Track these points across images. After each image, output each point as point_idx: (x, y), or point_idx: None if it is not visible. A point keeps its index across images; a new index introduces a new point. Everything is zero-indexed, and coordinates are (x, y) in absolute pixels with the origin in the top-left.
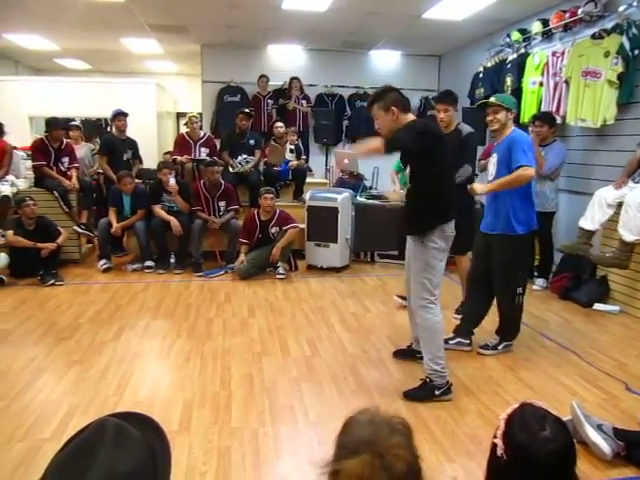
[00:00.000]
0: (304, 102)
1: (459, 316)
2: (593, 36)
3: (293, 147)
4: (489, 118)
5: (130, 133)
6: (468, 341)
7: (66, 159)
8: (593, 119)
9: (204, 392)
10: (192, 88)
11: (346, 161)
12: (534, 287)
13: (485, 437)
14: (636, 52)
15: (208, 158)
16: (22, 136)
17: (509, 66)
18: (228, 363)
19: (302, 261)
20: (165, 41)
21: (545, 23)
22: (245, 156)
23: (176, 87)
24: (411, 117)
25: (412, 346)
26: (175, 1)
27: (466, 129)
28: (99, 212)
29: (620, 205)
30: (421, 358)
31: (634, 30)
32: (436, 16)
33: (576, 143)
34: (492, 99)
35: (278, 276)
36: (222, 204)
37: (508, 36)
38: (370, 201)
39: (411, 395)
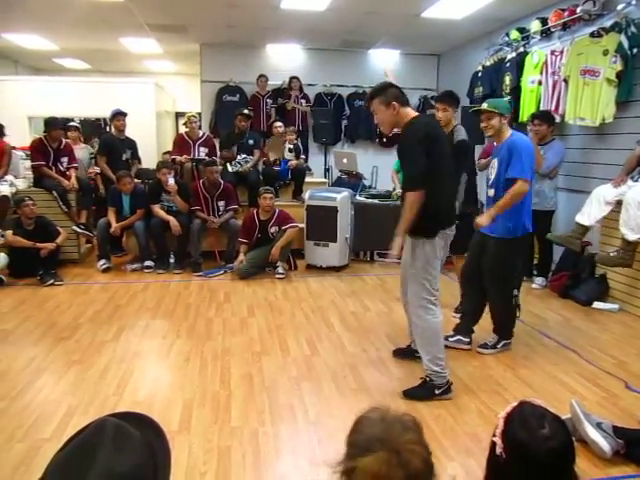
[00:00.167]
0: (303, 102)
1: (458, 315)
2: (592, 34)
3: (292, 147)
4: (483, 124)
5: (129, 133)
6: (468, 339)
7: (65, 159)
8: (592, 117)
9: (204, 392)
10: (191, 88)
11: (345, 160)
12: (533, 286)
13: (485, 435)
14: (635, 50)
15: (207, 158)
16: (21, 136)
17: (508, 65)
18: (228, 363)
19: (301, 260)
20: (164, 41)
21: (544, 22)
22: (244, 156)
23: (175, 87)
24: (410, 112)
25: (411, 345)
26: (174, 1)
27: (460, 135)
28: (98, 212)
29: (619, 203)
30: (420, 357)
31: (633, 28)
32: (435, 15)
33: (575, 142)
34: (485, 105)
35: (277, 276)
36: (221, 204)
37: (507, 35)
38: (369, 200)
39: (411, 394)
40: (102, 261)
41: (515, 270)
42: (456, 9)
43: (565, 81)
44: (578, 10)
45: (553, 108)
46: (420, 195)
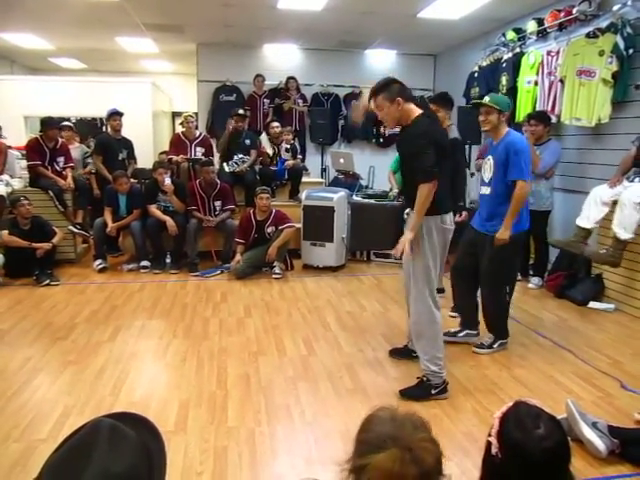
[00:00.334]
0: (300, 102)
1: (454, 313)
2: (588, 35)
3: (289, 146)
4: (481, 118)
5: (125, 133)
6: (476, 332)
7: (61, 159)
8: (588, 118)
9: (200, 392)
10: (188, 87)
11: (342, 160)
12: (529, 285)
13: (480, 435)
14: (630, 51)
15: (204, 158)
16: (17, 135)
17: (504, 65)
18: (224, 363)
19: (298, 260)
20: (160, 40)
21: (540, 22)
22: (241, 156)
23: (172, 86)
24: (414, 107)
25: (408, 345)
26: (170, 0)
27: (453, 133)
28: (94, 212)
29: (615, 203)
30: (417, 357)
31: (628, 29)
32: (432, 15)
33: (571, 142)
34: (486, 99)
35: (274, 276)
36: (218, 204)
37: (503, 35)
38: (366, 200)
39: (407, 394)
40: (98, 261)
41: (513, 269)
42: (453, 9)
43: (561, 81)
44: (574, 11)
45: (549, 108)
46: (434, 185)
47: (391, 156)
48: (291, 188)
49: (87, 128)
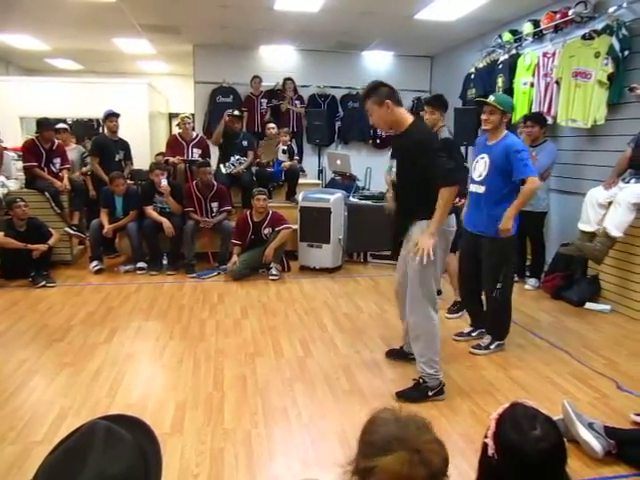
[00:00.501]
0: (298, 103)
1: (451, 315)
2: (583, 37)
3: (286, 148)
4: (484, 117)
5: (122, 134)
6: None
7: (57, 160)
8: (584, 119)
9: (197, 393)
10: (184, 89)
11: (338, 162)
12: (526, 287)
13: (477, 437)
14: (626, 53)
15: (200, 159)
16: (13, 137)
17: (500, 67)
18: (221, 364)
19: (295, 262)
20: (157, 41)
21: (536, 24)
22: (238, 157)
23: (168, 88)
24: (404, 112)
25: (404, 348)
26: (167, 1)
27: (444, 134)
28: (90, 213)
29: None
30: (413, 359)
31: (624, 31)
32: (428, 17)
33: (567, 143)
34: (491, 98)
35: (271, 277)
36: (215, 205)
37: (499, 37)
38: (363, 201)
39: (404, 395)
40: (95, 262)
41: (511, 269)
42: (449, 11)
43: (557, 83)
44: (570, 12)
45: (545, 110)
46: (456, 189)
47: (388, 158)
48: (288, 189)
49: (83, 129)
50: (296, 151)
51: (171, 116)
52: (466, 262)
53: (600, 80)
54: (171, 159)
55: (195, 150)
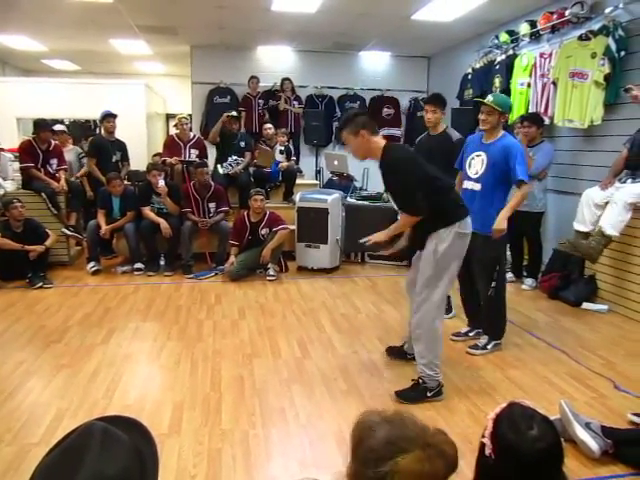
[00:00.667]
0: (296, 103)
1: (447, 316)
2: (580, 37)
3: (283, 148)
4: (482, 117)
5: (119, 135)
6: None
7: (54, 161)
8: (580, 120)
9: (194, 394)
10: (182, 89)
11: (336, 162)
12: (523, 287)
13: (474, 437)
14: (622, 53)
15: (198, 160)
16: (10, 137)
17: (497, 67)
18: (218, 365)
19: (292, 262)
20: (154, 42)
21: (533, 24)
22: (235, 157)
23: (166, 88)
24: (380, 140)
25: (404, 347)
26: (164, 2)
27: (455, 135)
28: (87, 214)
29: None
30: (412, 359)
31: (620, 32)
32: (425, 17)
33: (564, 143)
34: (489, 99)
35: (268, 277)
36: (212, 206)
37: (496, 37)
38: (360, 202)
39: (403, 396)
40: (92, 263)
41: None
42: (446, 11)
43: (554, 83)
44: (567, 13)
45: (542, 110)
46: (415, 220)
47: None
48: (285, 190)
49: (80, 130)
50: (293, 151)
51: (168, 117)
52: (465, 261)
53: (597, 80)
54: (168, 160)
55: (192, 151)
